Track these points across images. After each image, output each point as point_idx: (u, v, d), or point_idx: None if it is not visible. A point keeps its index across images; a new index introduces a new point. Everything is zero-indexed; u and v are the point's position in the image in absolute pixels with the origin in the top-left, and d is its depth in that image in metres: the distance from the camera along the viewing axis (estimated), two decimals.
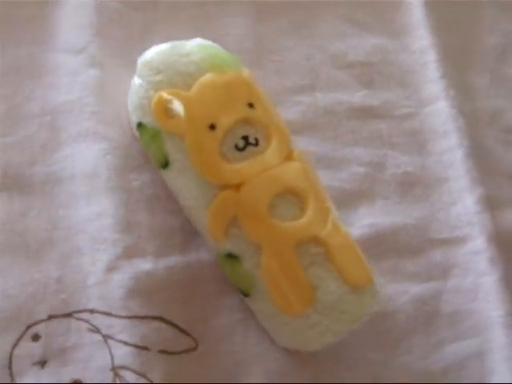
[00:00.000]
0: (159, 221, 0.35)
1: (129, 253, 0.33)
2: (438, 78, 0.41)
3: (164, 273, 0.34)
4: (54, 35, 0.37)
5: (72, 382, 0.32)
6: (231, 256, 0.32)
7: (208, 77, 0.32)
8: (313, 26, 0.41)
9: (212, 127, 0.31)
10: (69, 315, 0.33)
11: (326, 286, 0.31)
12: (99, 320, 0.33)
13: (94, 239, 0.34)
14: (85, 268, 0.33)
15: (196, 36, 0.34)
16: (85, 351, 0.32)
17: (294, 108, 0.39)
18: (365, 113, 0.40)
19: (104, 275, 0.33)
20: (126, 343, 0.32)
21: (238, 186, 0.31)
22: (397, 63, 0.42)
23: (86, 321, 0.33)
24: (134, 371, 0.32)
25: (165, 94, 0.31)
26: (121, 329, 0.32)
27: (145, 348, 0.32)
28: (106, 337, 0.33)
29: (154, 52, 0.32)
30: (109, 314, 0.33)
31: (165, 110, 0.31)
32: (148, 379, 0.32)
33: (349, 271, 0.32)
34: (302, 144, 0.38)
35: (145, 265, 0.33)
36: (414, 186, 0.39)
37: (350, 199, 0.38)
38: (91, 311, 0.33)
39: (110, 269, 0.33)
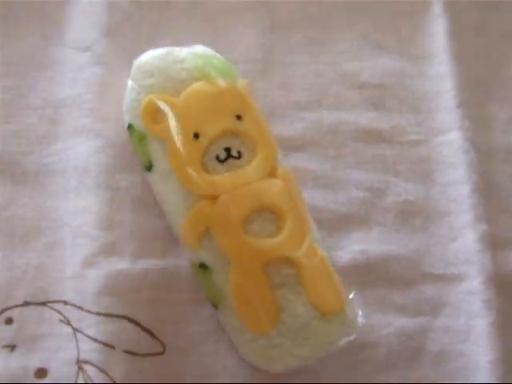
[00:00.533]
0: (142, 222, 0.35)
1: (107, 250, 0.34)
2: (454, 108, 0.39)
3: (140, 274, 0.34)
4: (64, 31, 0.38)
5: (37, 369, 0.33)
6: (203, 266, 0.32)
7: (198, 85, 0.32)
8: (328, 42, 0.40)
9: (196, 136, 0.31)
10: (43, 304, 0.34)
11: (293, 308, 0.31)
12: (71, 312, 0.33)
13: (75, 233, 0.34)
14: (64, 260, 0.34)
15: (204, 41, 0.35)
16: (54, 341, 0.33)
17: (297, 123, 0.38)
18: (371, 135, 0.39)
19: (81, 269, 0.34)
20: (93, 339, 0.33)
21: (214, 198, 0.31)
22: (411, 88, 0.40)
23: (59, 311, 0.34)
24: (97, 367, 0.32)
25: (154, 98, 0.32)
26: (90, 324, 0.33)
27: (110, 346, 0.33)
28: (75, 330, 0.33)
29: (149, 56, 0.33)
30: (80, 308, 0.33)
31: (152, 114, 0.32)
32: (109, 377, 0.32)
33: (319, 296, 0.31)
34: (301, 161, 0.38)
35: (121, 264, 0.34)
36: (413, 215, 0.38)
37: (344, 222, 0.37)
38: (65, 303, 0.34)
39: (87, 264, 0.34)
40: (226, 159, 0.31)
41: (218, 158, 0.31)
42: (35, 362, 0.33)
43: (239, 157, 0.32)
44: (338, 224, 0.37)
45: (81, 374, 0.33)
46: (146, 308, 0.34)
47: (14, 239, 0.35)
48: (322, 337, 0.31)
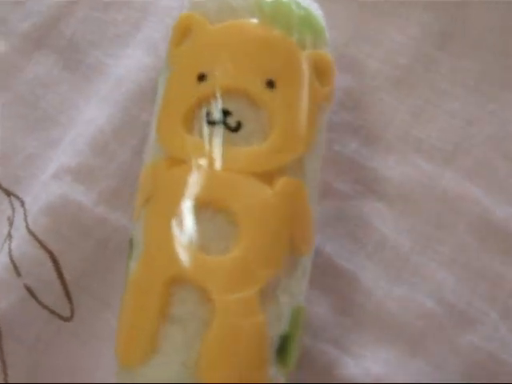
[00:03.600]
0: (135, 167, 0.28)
1: (81, 176, 0.28)
2: None
3: (90, 219, 0.27)
4: None
5: None
6: (130, 243, 0.23)
7: (244, 22, 0.23)
8: None
9: (201, 78, 0.22)
10: (7, 193, 0.30)
11: (171, 353, 0.20)
12: (19, 214, 0.29)
13: (73, 141, 0.29)
14: (49, 162, 0.29)
15: None
16: None
17: None
18: None
19: (50, 177, 0.28)
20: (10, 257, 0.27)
21: (175, 163, 0.22)
22: None
23: (13, 208, 0.29)
24: None
25: (185, 16, 0.24)
26: (21, 238, 0.27)
27: (18, 272, 0.27)
28: (9, 235, 0.28)
29: None
30: (25, 219, 0.28)
31: (180, 34, 0.24)
32: None
33: (212, 365, 0.20)
34: None
35: (83, 196, 0.27)
36: None
37: None
38: (22, 203, 0.29)
39: (56, 175, 0.28)
40: (216, 123, 0.22)
41: (208, 116, 0.22)
42: None
43: (236, 129, 0.22)
44: None
45: None
46: (76, 258, 0.27)
47: (30, 119, 0.31)
48: None
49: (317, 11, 0.25)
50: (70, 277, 0.27)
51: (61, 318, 0.27)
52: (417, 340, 0.25)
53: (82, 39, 0.32)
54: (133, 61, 0.30)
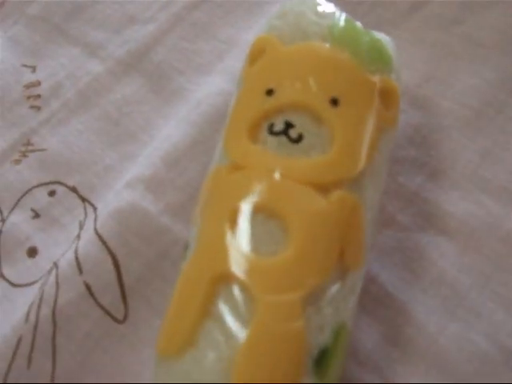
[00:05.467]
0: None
1: (152, 186, 0.29)
2: None
3: (155, 226, 0.28)
4: None
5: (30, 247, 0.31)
6: (185, 245, 0.24)
7: (316, 45, 0.24)
8: None
9: (269, 93, 0.23)
10: (83, 199, 0.32)
11: (206, 351, 0.20)
12: (89, 219, 0.30)
13: (148, 154, 0.31)
14: (124, 173, 0.31)
15: None
16: (62, 233, 0.31)
17: None
18: None
19: (123, 186, 0.30)
20: (75, 253, 0.29)
21: (236, 169, 0.23)
22: None
23: (86, 213, 0.31)
24: (57, 279, 0.28)
25: (262, 38, 0.25)
26: (88, 239, 0.29)
27: (80, 269, 0.28)
28: (78, 237, 0.30)
29: (299, 0, 0.26)
30: (95, 222, 0.29)
31: (256, 54, 0.25)
32: (55, 296, 0.28)
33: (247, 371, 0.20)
34: None
35: (151, 205, 0.29)
36: None
37: None
38: (94, 208, 0.31)
39: (129, 184, 0.30)
40: (278, 133, 0.23)
41: (271, 127, 0.23)
42: (36, 240, 0.31)
43: (297, 141, 0.22)
44: None
45: (54, 271, 0.29)
46: (136, 264, 0.28)
47: (112, 134, 0.33)
48: None
49: (387, 42, 0.25)
50: (128, 281, 0.28)
51: (114, 319, 0.28)
52: (468, 381, 0.24)
53: (169, 66, 0.34)
54: (212, 86, 0.32)
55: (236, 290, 0.21)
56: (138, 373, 0.27)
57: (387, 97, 0.24)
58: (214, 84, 0.32)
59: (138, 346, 0.27)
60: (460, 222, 0.26)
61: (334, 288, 0.21)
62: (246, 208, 0.22)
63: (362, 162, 0.23)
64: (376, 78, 0.24)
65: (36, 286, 0.29)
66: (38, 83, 0.36)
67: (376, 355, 0.25)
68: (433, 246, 0.26)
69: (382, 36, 0.26)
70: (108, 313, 0.28)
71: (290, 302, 0.20)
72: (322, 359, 0.21)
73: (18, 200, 0.32)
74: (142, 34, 0.36)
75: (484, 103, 0.29)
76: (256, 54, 0.25)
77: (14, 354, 0.27)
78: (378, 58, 0.24)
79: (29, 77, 0.37)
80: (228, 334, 0.20)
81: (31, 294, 0.29)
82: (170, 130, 0.31)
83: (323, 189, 0.22)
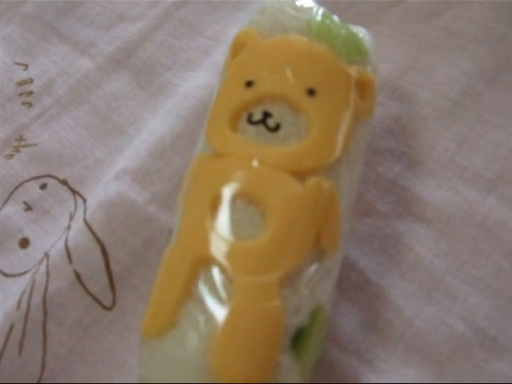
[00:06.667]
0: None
1: (138, 176, 0.30)
2: None
3: (141, 216, 0.29)
4: None
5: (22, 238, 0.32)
6: (169, 231, 0.25)
7: (293, 38, 0.25)
8: None
9: (248, 84, 0.24)
10: (73, 192, 0.32)
11: (187, 331, 0.21)
12: (80, 210, 0.31)
13: (135, 147, 0.32)
14: (112, 166, 0.32)
15: None
16: (51, 221, 0.32)
17: None
18: None
19: (112, 178, 0.31)
20: (65, 243, 0.29)
21: (217, 157, 0.24)
22: None
23: (76, 205, 0.32)
24: (48, 268, 0.29)
25: (243, 32, 0.26)
26: (78, 229, 0.30)
27: (70, 258, 0.29)
28: (69, 228, 0.31)
29: None
30: (84, 212, 0.30)
31: (238, 47, 0.26)
32: (45, 285, 0.29)
33: (226, 346, 0.20)
34: None
35: (138, 195, 0.30)
36: None
37: None
38: (84, 200, 0.31)
39: (117, 176, 0.30)
40: (256, 123, 0.23)
41: (250, 116, 0.24)
42: (28, 232, 0.32)
43: (274, 130, 0.23)
44: None
45: (44, 261, 0.30)
46: (124, 252, 0.29)
47: (102, 128, 0.34)
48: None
49: (364, 35, 0.26)
50: (116, 269, 0.29)
51: (103, 306, 0.28)
52: (444, 362, 0.24)
53: (157, 62, 0.35)
54: (198, 81, 0.33)
55: (215, 273, 0.21)
56: (125, 357, 0.27)
57: (363, 88, 0.25)
58: (200, 78, 0.33)
59: (125, 331, 0.28)
60: (437, 209, 0.27)
61: (311, 270, 0.22)
62: (226, 194, 0.22)
63: (338, 151, 0.23)
64: (352, 70, 0.25)
65: (28, 276, 0.30)
66: (31, 80, 0.37)
67: (356, 339, 0.25)
68: (410, 233, 0.27)
69: (359, 29, 0.26)
70: (97, 300, 0.28)
71: (267, 283, 0.21)
72: (298, 339, 0.21)
73: (11, 193, 0.33)
74: (130, 31, 0.37)
75: (461, 93, 0.30)
76: (237, 48, 0.26)
77: (6, 340, 0.28)
78: (354, 51, 0.25)
79: (21, 74, 0.38)
80: (208, 315, 0.21)
81: (23, 283, 0.30)
82: (157, 123, 0.32)
83: (300, 175, 0.23)
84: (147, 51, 0.36)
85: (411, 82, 0.30)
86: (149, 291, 0.28)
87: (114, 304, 0.28)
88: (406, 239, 0.27)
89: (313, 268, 0.22)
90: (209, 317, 0.21)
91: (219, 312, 0.21)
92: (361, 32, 0.26)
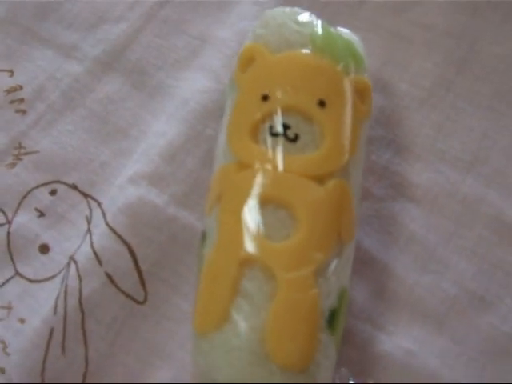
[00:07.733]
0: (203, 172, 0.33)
1: (154, 180, 0.33)
2: None
3: (164, 216, 0.32)
4: None
5: (42, 244, 0.34)
6: (203, 235, 0.28)
7: (299, 52, 0.28)
8: None
9: (264, 98, 0.27)
10: (85, 195, 0.34)
11: (238, 326, 0.25)
12: (96, 214, 0.33)
13: (145, 150, 0.34)
14: (122, 170, 0.34)
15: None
16: (69, 228, 0.34)
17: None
18: None
19: (126, 182, 0.33)
20: (91, 246, 0.32)
21: (242, 167, 0.27)
22: None
23: (90, 208, 0.34)
24: (79, 272, 0.31)
25: (250, 47, 0.29)
26: (101, 232, 0.32)
27: (99, 261, 0.31)
28: (89, 231, 0.33)
29: (277, 10, 0.30)
30: (104, 216, 0.33)
31: (246, 62, 0.29)
32: (80, 287, 0.31)
33: (280, 337, 0.24)
34: None
35: (157, 198, 0.32)
36: None
37: None
38: (99, 204, 0.34)
39: (132, 180, 0.33)
40: (277, 135, 0.27)
41: (271, 129, 0.27)
42: (45, 237, 0.34)
43: (294, 140, 0.27)
44: None
45: (73, 266, 0.32)
46: (150, 251, 0.32)
47: (103, 131, 0.36)
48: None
49: (357, 42, 0.29)
50: (144, 266, 0.31)
51: (136, 301, 0.31)
52: (442, 321, 0.29)
53: (147, 63, 0.37)
54: (194, 83, 0.35)
55: (259, 271, 0.25)
56: (163, 344, 0.30)
57: (362, 93, 0.28)
58: (196, 81, 0.35)
59: (161, 321, 0.31)
60: (425, 189, 0.32)
61: (336, 260, 0.26)
62: (256, 201, 0.26)
63: (349, 153, 0.27)
64: (353, 78, 0.28)
65: (56, 281, 0.32)
66: (20, 87, 0.38)
67: (367, 308, 0.30)
68: (404, 213, 0.31)
69: (351, 36, 0.30)
70: (130, 296, 0.31)
71: (304, 276, 0.25)
72: (331, 319, 0.25)
73: (20, 202, 0.35)
74: (115, 32, 0.38)
75: (435, 83, 0.34)
76: (246, 61, 0.29)
77: (48, 343, 0.30)
78: (352, 60, 0.28)
79: (7, 81, 0.38)
80: (257, 307, 0.24)
81: (52, 288, 0.32)
82: (162, 127, 0.34)
83: (319, 179, 0.26)
84: (136, 53, 0.37)
85: (390, 74, 0.34)
86: (176, 282, 0.31)
87: (146, 299, 0.31)
88: (401, 218, 0.31)
89: (337, 257, 0.26)
90: (258, 309, 0.24)
91: (266, 304, 0.24)
92: (353, 39, 0.29)
